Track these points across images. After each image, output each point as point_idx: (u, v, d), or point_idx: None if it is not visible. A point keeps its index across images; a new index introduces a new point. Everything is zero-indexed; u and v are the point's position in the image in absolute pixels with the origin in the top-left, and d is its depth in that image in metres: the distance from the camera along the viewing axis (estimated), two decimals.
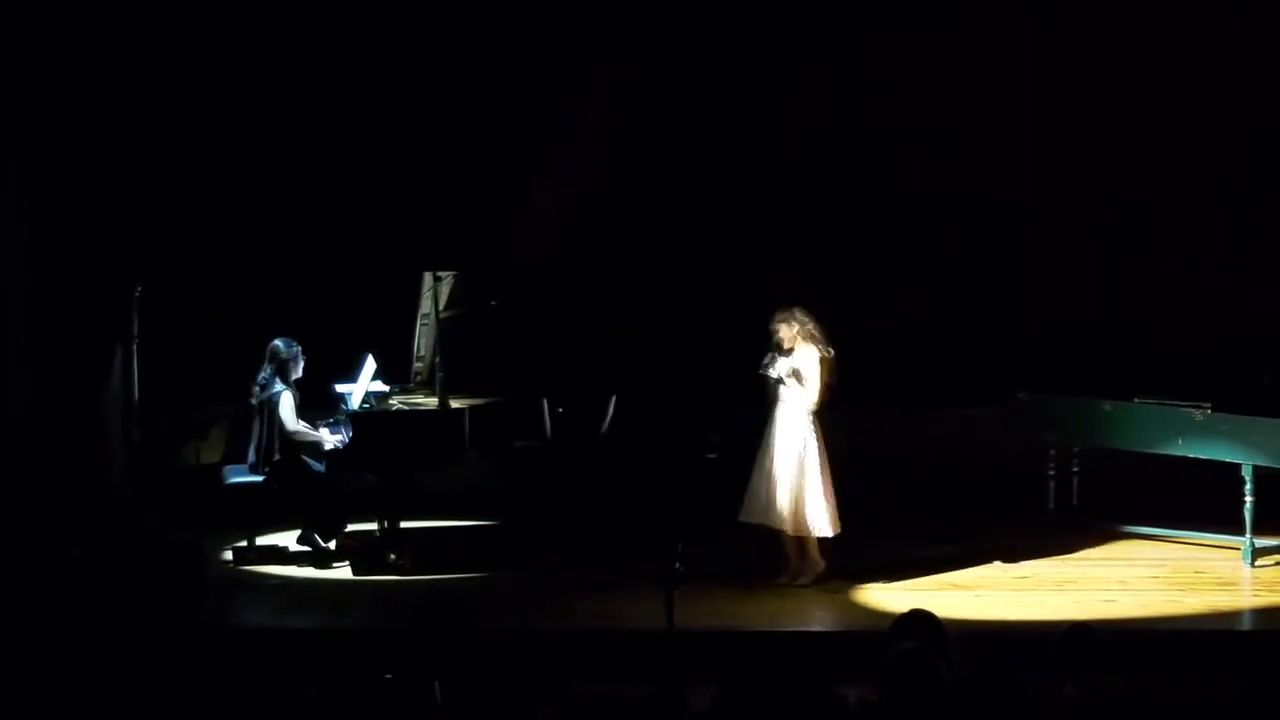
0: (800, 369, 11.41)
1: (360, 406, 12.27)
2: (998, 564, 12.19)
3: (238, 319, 13.23)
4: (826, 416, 11.58)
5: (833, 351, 11.43)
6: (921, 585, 11.54)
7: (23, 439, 13.02)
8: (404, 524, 12.20)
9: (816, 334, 11.42)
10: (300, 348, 12.23)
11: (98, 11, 13.55)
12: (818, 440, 11.48)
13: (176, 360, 12.16)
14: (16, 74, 13.07)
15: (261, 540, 12.37)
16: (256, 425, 12.22)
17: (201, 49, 14.14)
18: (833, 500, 11.48)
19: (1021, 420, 13.07)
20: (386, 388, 12.58)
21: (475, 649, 6.71)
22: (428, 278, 12.14)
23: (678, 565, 8.80)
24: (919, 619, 6.84)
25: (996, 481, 13.59)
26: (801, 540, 11.54)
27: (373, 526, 12.45)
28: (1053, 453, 13.04)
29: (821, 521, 11.45)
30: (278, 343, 12.21)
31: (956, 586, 11.54)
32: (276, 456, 12.18)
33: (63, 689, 8.18)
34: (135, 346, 11.15)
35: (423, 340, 12.49)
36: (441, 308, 12.14)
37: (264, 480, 12.18)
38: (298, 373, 12.23)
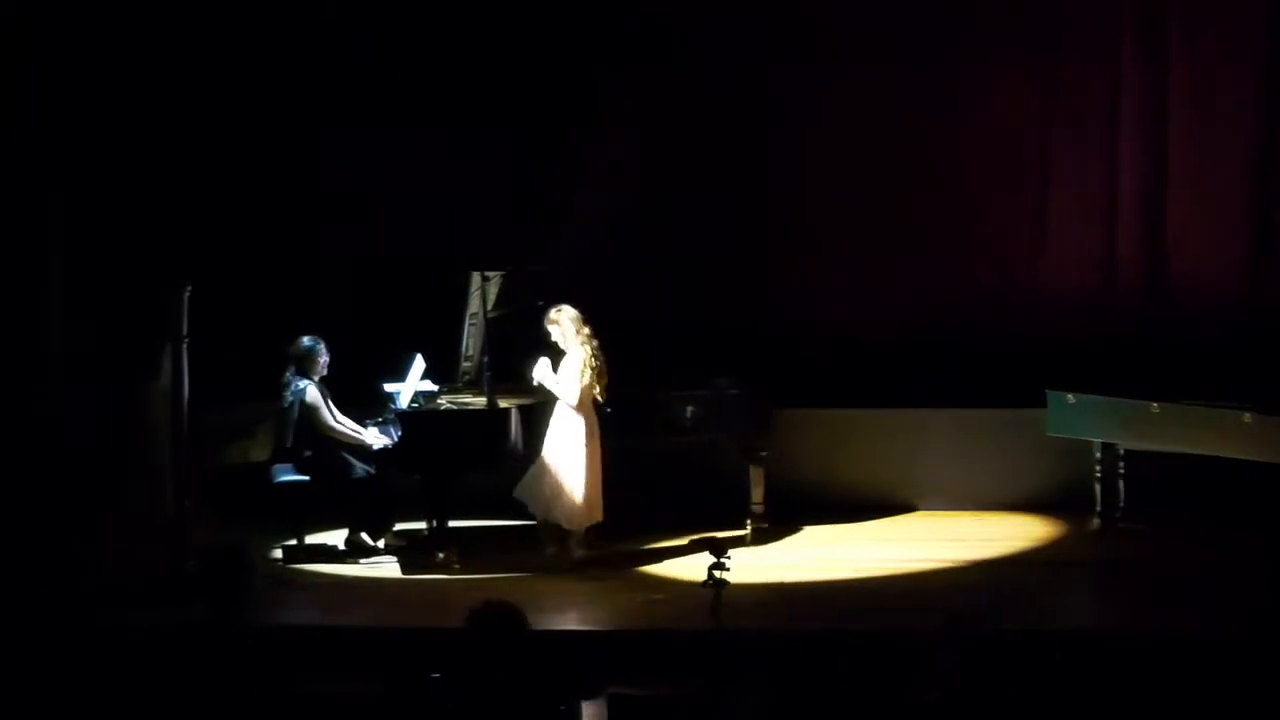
0: (562, 369, 11.86)
1: (409, 406, 12.31)
2: (1043, 565, 12.18)
3: (287, 317, 13.28)
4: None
5: (596, 355, 11.91)
6: (969, 585, 11.53)
7: (70, 440, 13.11)
8: (452, 523, 12.25)
9: (582, 336, 11.88)
10: (323, 344, 12.26)
11: (143, 11, 13.64)
12: (587, 435, 11.90)
13: (226, 359, 12.20)
14: (66, 72, 13.15)
15: (311, 539, 12.45)
16: (288, 424, 12.27)
17: (249, 47, 14.21)
18: (596, 492, 11.95)
19: (1067, 421, 13.04)
20: (435, 387, 12.63)
21: (529, 650, 6.73)
22: (475, 277, 12.18)
23: (725, 564, 8.80)
24: (965, 623, 6.84)
25: (1040, 483, 13.64)
26: (558, 529, 12.02)
27: (421, 525, 12.52)
28: (1099, 455, 13.02)
29: (578, 514, 11.92)
30: (302, 339, 12.24)
31: (1004, 586, 11.52)
32: (307, 453, 12.25)
33: (101, 683, 8.24)
34: (185, 345, 11.18)
35: (471, 340, 12.52)
36: (489, 308, 12.18)
37: (311, 478, 12.24)
38: (321, 370, 12.24)
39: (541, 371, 11.91)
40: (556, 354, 12.05)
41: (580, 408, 11.93)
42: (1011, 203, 14.74)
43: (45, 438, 12.72)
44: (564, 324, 11.94)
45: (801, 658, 9.66)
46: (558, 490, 11.92)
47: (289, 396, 12.14)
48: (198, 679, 6.95)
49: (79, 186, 13.21)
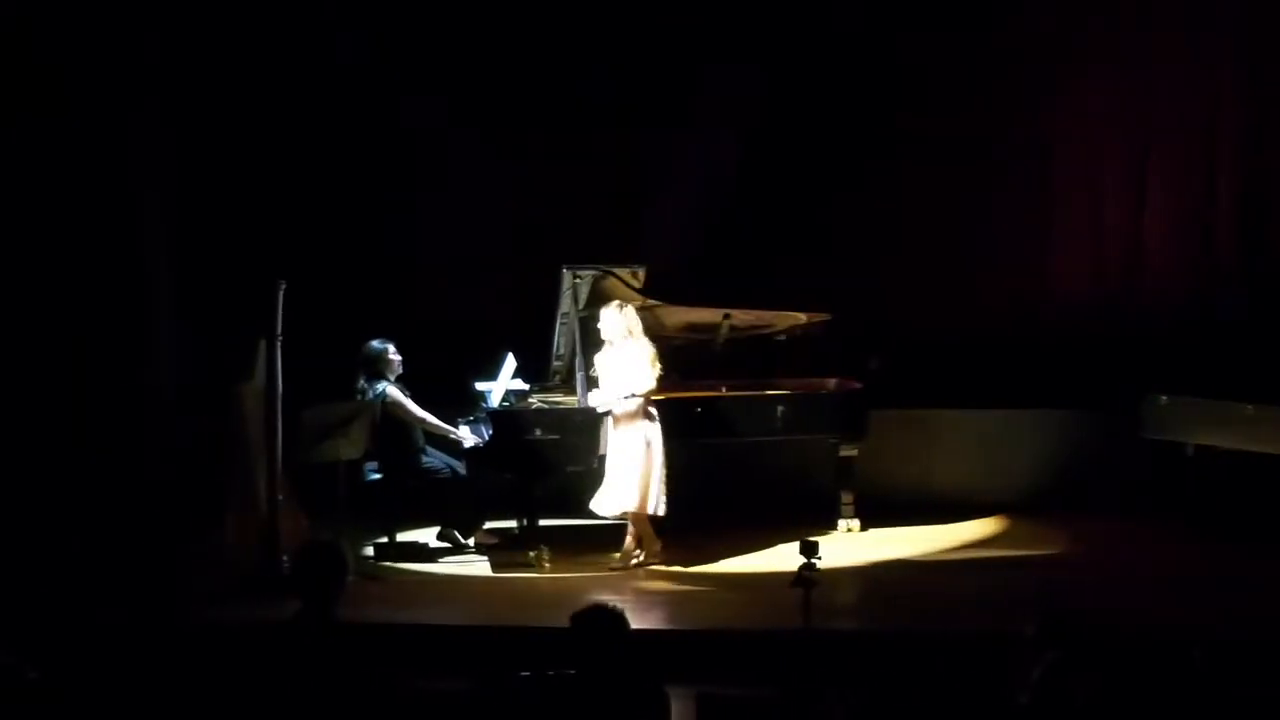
0: (631, 363, 11.84)
1: (500, 405, 12.33)
2: (1135, 568, 12.10)
3: (381, 314, 13.36)
4: None
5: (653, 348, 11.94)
6: (1061, 587, 11.39)
7: (165, 436, 13.23)
8: (542, 522, 12.28)
9: (640, 330, 11.92)
10: (392, 345, 12.29)
11: (243, 17, 13.78)
12: (658, 425, 11.89)
13: (319, 356, 12.26)
14: (166, 74, 13.30)
15: (402, 536, 12.51)
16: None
17: (338, 47, 14.34)
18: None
19: (1161, 423, 12.95)
20: (526, 386, 12.64)
21: (629, 654, 6.75)
22: (567, 276, 12.19)
23: (816, 563, 8.76)
24: (1062, 624, 6.79)
25: (1134, 485, 13.56)
26: (647, 520, 11.98)
27: (512, 524, 12.55)
28: (1191, 454, 12.92)
29: (661, 501, 11.89)
30: (370, 343, 12.26)
31: (1097, 589, 11.42)
32: (391, 454, 12.27)
33: (195, 679, 8.29)
34: (279, 343, 11.24)
35: (562, 339, 12.53)
36: (581, 307, 12.20)
37: (390, 480, 12.31)
38: (396, 369, 12.26)
39: (605, 393, 11.94)
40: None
41: (649, 399, 11.92)
42: (1109, 205, 14.67)
43: (147, 438, 12.89)
44: (630, 320, 11.92)
45: (891, 659, 9.62)
46: (644, 481, 11.84)
47: (366, 399, 12.15)
48: (289, 675, 6.99)
49: (175, 184, 13.40)
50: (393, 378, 12.21)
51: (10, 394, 12.66)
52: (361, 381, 12.20)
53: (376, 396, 12.10)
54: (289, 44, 14.10)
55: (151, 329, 13.36)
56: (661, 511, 11.90)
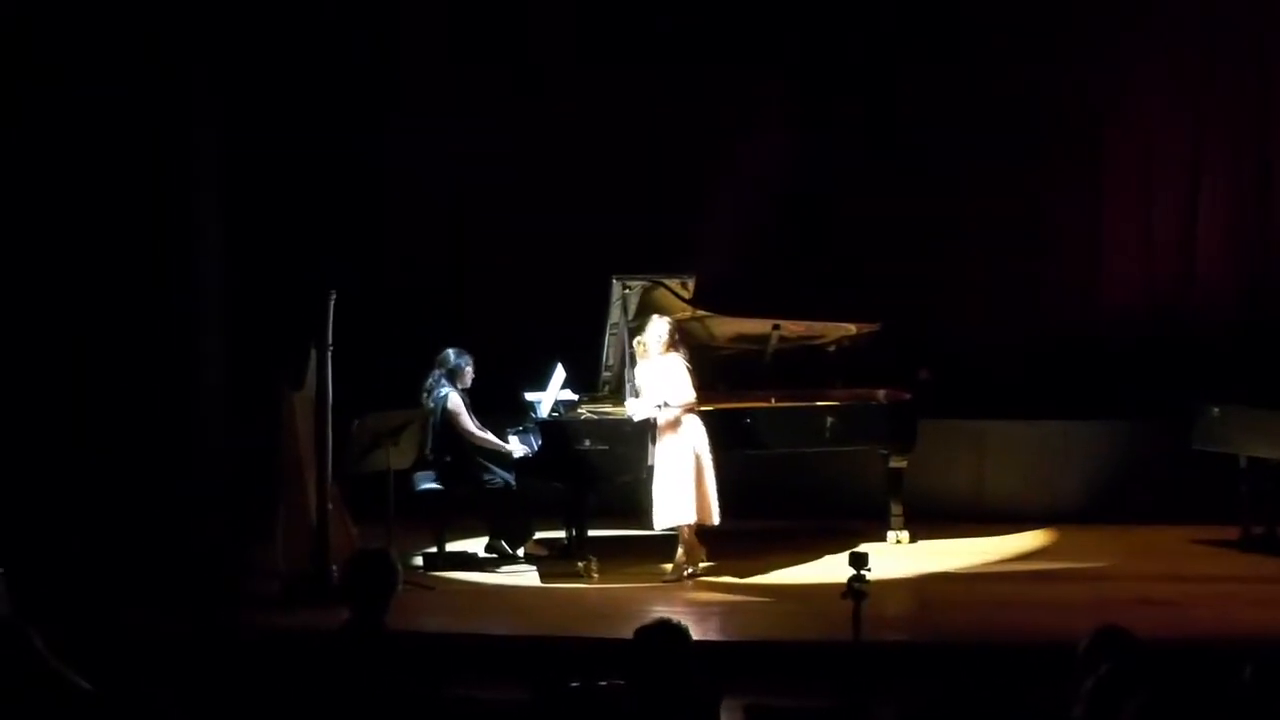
0: (666, 376, 11.82)
1: (549, 415, 12.33)
2: (1190, 579, 12.03)
3: (430, 323, 13.40)
4: None
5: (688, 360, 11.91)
6: (1115, 598, 11.37)
7: (217, 445, 13.28)
8: (591, 532, 12.25)
9: (679, 343, 11.89)
10: (470, 358, 12.34)
11: (289, 19, 13.86)
12: (705, 436, 11.85)
13: (370, 365, 12.31)
14: (219, 89, 13.37)
15: (451, 546, 12.52)
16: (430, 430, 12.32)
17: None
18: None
19: (1212, 434, 12.87)
20: (575, 396, 12.64)
21: (688, 666, 6.75)
22: (616, 286, 12.18)
23: (866, 575, 8.74)
24: (1114, 636, 6.75)
25: (1187, 496, 13.47)
26: (693, 531, 11.95)
27: (561, 534, 12.55)
28: (1244, 466, 12.83)
29: (715, 510, 11.90)
30: (448, 351, 12.33)
31: (1152, 600, 11.36)
32: (447, 458, 12.32)
33: (246, 688, 8.31)
34: (329, 353, 11.27)
35: (611, 349, 12.52)
36: (630, 317, 12.19)
37: (446, 485, 12.32)
38: (466, 382, 12.32)
39: (643, 402, 11.91)
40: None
41: (694, 410, 11.90)
42: (1160, 214, 14.62)
43: (198, 447, 12.94)
44: (668, 332, 11.91)
45: (941, 671, 9.59)
46: (695, 493, 11.80)
47: (430, 402, 12.21)
48: (339, 685, 7.00)
49: (227, 192, 13.46)
50: (460, 387, 12.25)
51: (62, 400, 12.72)
52: (430, 380, 12.27)
53: (439, 400, 12.15)
54: (332, 51, 14.18)
55: (203, 337, 13.41)
56: (716, 520, 11.88)
